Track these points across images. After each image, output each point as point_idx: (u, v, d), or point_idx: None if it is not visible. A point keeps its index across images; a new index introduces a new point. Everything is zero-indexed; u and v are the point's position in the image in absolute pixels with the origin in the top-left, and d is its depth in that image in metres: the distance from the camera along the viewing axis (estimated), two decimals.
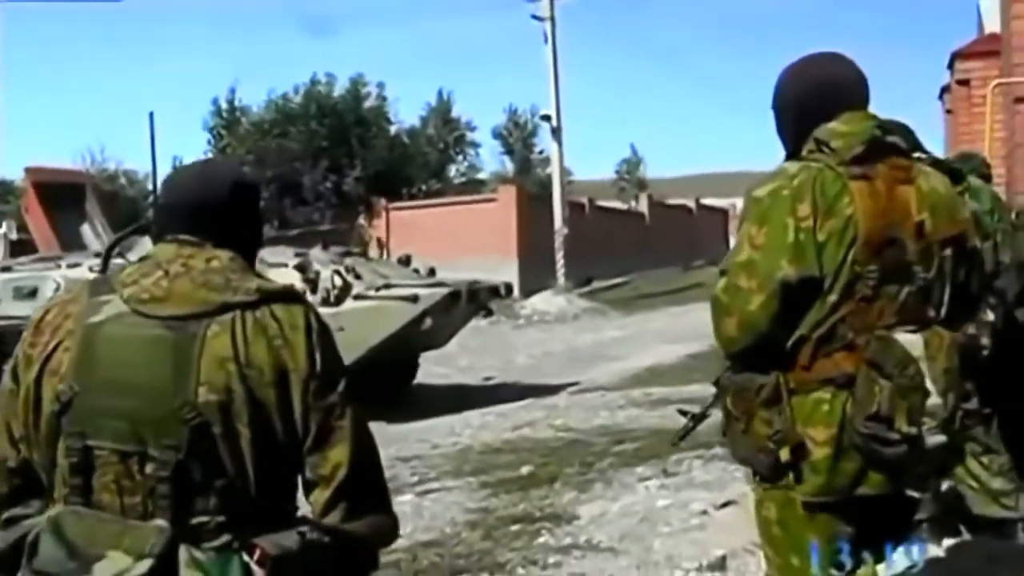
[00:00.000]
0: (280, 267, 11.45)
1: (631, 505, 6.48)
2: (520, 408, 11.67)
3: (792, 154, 2.99)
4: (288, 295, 2.38)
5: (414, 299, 11.75)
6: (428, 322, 11.94)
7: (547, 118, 30.33)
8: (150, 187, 47.67)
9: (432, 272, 13.60)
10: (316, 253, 12.60)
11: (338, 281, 11.79)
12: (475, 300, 13.08)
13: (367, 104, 39.15)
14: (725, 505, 6.10)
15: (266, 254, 11.93)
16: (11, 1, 36.35)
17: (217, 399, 2.21)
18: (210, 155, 40.35)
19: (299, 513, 2.34)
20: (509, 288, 15.22)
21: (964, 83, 16.21)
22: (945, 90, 18.89)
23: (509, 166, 48.21)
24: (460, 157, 44.56)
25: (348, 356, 9.60)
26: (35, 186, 17.96)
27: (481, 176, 45.19)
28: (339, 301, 11.61)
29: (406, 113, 51.42)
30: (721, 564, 5.31)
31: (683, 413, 3.34)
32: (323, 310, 11.14)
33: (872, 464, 2.75)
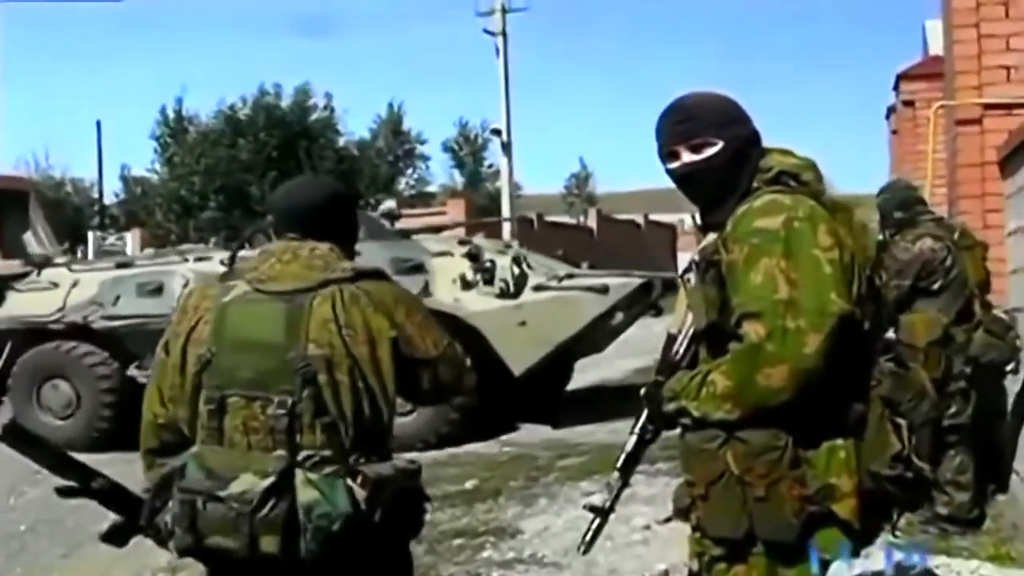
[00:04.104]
0: (445, 256, 10.48)
1: (575, 520, 6.48)
2: None
3: (741, 189, 2.74)
4: (376, 273, 3.03)
5: (604, 290, 10.23)
6: (619, 316, 10.51)
7: (497, 132, 30.44)
8: (96, 195, 46.95)
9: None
10: (480, 241, 11.30)
11: (516, 271, 10.33)
12: (663, 293, 11.26)
13: (315, 115, 39.02)
14: (668, 520, 6.11)
15: (431, 243, 11.05)
16: (11, 1, 35.87)
17: (322, 353, 2.80)
18: (158, 164, 40.10)
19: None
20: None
21: (909, 104, 16.39)
22: (891, 110, 19.10)
23: (459, 179, 48.20)
24: (410, 170, 44.51)
25: (533, 354, 9.69)
26: None
27: (430, 189, 45.16)
28: (517, 292, 10.26)
29: (356, 125, 51.31)
30: None
31: (591, 509, 2.91)
32: (501, 303, 10.13)
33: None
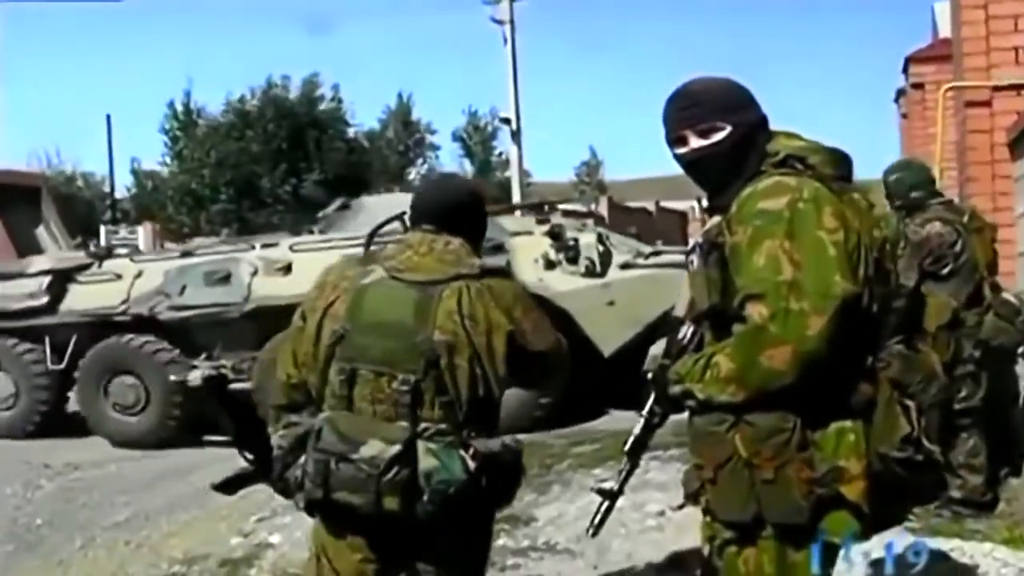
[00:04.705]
0: (524, 235, 10.18)
1: (588, 507, 6.43)
2: None
3: (749, 173, 2.73)
4: (501, 272, 3.48)
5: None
6: None
7: (506, 121, 30.28)
8: (107, 189, 46.97)
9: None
10: (559, 219, 10.87)
11: (600, 248, 9.95)
12: None
13: (323, 106, 39.00)
14: (681, 506, 6.11)
15: (507, 223, 10.67)
16: (11, 1, 35.97)
17: (446, 340, 3.16)
18: (168, 157, 40.19)
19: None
20: None
21: (918, 87, 16.37)
22: (900, 93, 19.05)
23: (469, 168, 48.17)
24: (420, 160, 44.51)
25: (623, 334, 9.18)
26: None
27: None
28: (603, 271, 9.89)
29: (366, 116, 51.28)
30: (678, 564, 5.34)
31: (600, 492, 2.96)
32: (588, 282, 9.78)
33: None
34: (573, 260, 9.89)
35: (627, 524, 6.02)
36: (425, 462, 3.09)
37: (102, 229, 31.52)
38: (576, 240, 9.95)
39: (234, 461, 3.70)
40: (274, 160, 36.53)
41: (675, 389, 2.70)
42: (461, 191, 3.59)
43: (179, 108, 40.26)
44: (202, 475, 9.19)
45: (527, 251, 9.90)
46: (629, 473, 2.91)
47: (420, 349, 3.15)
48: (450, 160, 48.45)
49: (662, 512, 6.16)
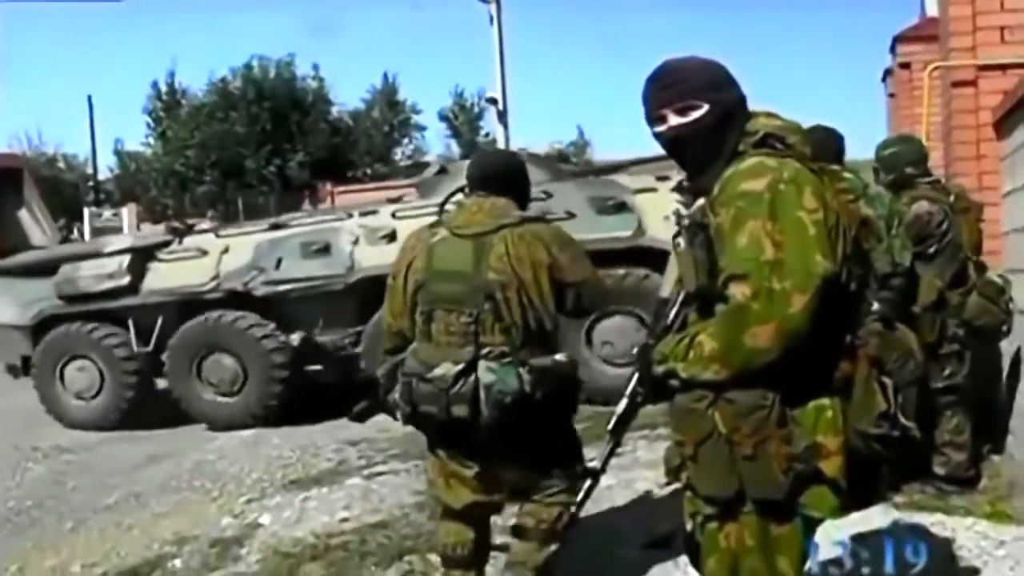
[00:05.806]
0: (648, 192, 9.60)
1: None
2: None
3: (728, 153, 2.77)
4: (539, 219, 4.23)
5: None
6: None
7: (493, 101, 30.18)
8: (90, 170, 46.60)
9: None
10: (680, 175, 10.70)
11: None
12: None
13: (306, 87, 38.77)
14: (668, 483, 6.14)
15: (627, 181, 10.17)
16: (11, 1, 35.75)
17: (498, 278, 3.96)
18: (152, 138, 40.08)
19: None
20: None
21: (906, 66, 16.37)
22: (888, 73, 19.05)
23: (455, 149, 48.03)
24: (405, 140, 44.36)
25: None
26: None
27: (427, 159, 44.98)
28: None
29: (351, 96, 50.96)
30: (665, 542, 5.38)
31: (584, 471, 3.05)
32: None
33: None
34: None
35: (615, 501, 6.06)
36: (485, 377, 3.87)
37: (85, 211, 31.38)
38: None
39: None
40: (258, 141, 36.42)
41: (659, 369, 2.72)
42: (503, 162, 4.42)
43: (163, 89, 40.10)
44: (192, 457, 9.22)
45: (656, 208, 9.47)
46: (612, 451, 2.95)
47: (479, 288, 3.95)
48: (436, 141, 48.40)
49: (649, 491, 6.21)
